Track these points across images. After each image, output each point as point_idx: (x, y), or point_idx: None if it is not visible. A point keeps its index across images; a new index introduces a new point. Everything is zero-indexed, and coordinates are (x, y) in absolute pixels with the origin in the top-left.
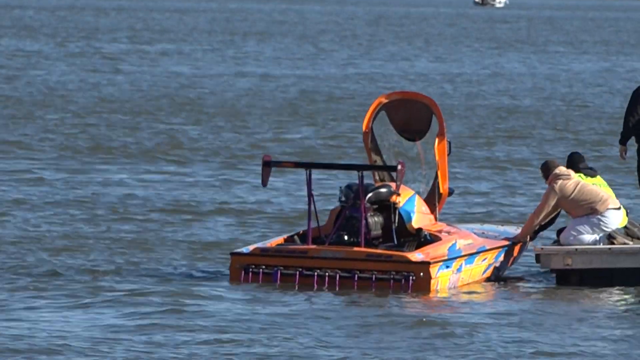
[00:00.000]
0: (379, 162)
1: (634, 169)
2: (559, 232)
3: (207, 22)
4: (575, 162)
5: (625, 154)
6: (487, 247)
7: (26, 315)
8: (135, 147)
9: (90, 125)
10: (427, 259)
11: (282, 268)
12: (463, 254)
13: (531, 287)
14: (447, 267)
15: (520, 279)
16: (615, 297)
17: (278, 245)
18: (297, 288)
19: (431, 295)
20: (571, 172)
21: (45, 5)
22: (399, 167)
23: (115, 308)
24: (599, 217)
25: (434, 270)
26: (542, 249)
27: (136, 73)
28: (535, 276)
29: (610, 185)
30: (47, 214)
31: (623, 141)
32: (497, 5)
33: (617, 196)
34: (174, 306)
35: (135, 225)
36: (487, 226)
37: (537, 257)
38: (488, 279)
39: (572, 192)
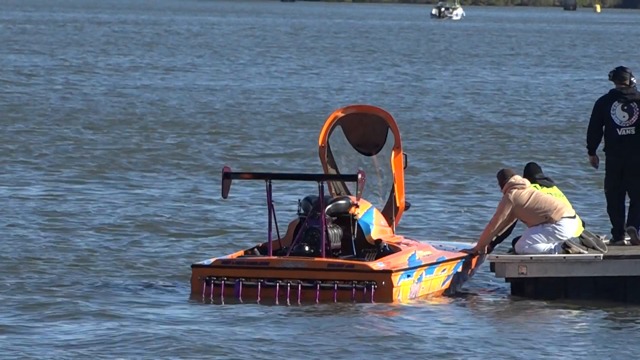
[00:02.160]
0: None
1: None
2: (515, 241)
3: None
4: (531, 172)
5: (597, 162)
6: (446, 258)
7: None
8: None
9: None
10: (389, 268)
11: (243, 279)
12: (423, 263)
13: (488, 299)
14: (408, 276)
15: (476, 289)
16: (568, 309)
17: (239, 257)
18: (259, 299)
19: (391, 304)
20: (526, 181)
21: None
22: (360, 176)
23: (77, 323)
24: (554, 225)
25: (395, 279)
26: (496, 257)
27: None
28: (491, 286)
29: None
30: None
31: (591, 151)
32: (454, 18)
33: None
34: (136, 319)
35: (93, 240)
36: (442, 241)
37: (492, 266)
38: (446, 290)
39: (527, 201)
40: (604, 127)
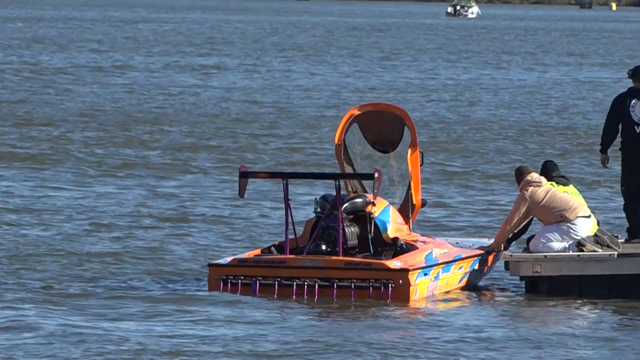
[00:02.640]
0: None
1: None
2: (529, 239)
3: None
4: (548, 170)
5: (608, 162)
6: (463, 256)
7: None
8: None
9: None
10: (406, 267)
11: (260, 278)
12: (440, 262)
13: (502, 297)
14: (425, 274)
15: (491, 287)
16: (583, 308)
17: (256, 256)
18: (276, 298)
19: (409, 303)
20: (543, 179)
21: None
22: (376, 174)
23: (91, 322)
24: (569, 224)
25: (412, 277)
26: (511, 255)
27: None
28: (506, 284)
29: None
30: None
31: (604, 150)
32: (470, 16)
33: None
34: (154, 316)
35: (109, 238)
36: (459, 238)
37: (507, 265)
38: (463, 288)
39: (543, 199)
40: (620, 125)
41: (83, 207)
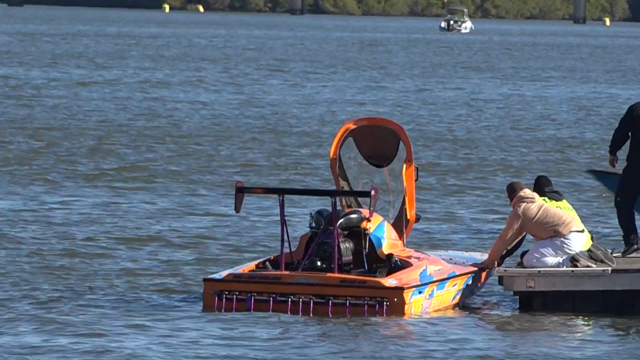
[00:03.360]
0: (347, 189)
1: None
2: (523, 254)
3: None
4: (541, 186)
5: (616, 162)
6: (457, 273)
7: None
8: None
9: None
10: (401, 285)
11: (255, 294)
12: (434, 279)
13: (496, 313)
14: (420, 292)
15: (485, 302)
16: (577, 323)
17: (251, 271)
18: (270, 314)
19: (402, 319)
20: (535, 195)
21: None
22: (372, 192)
23: (85, 337)
24: (562, 239)
25: (407, 295)
26: (505, 270)
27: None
28: (500, 300)
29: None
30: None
31: (613, 151)
32: (463, 31)
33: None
34: (148, 333)
35: (104, 252)
36: (452, 252)
37: (500, 279)
38: (456, 304)
39: (536, 215)
40: (630, 134)
41: (86, 218)
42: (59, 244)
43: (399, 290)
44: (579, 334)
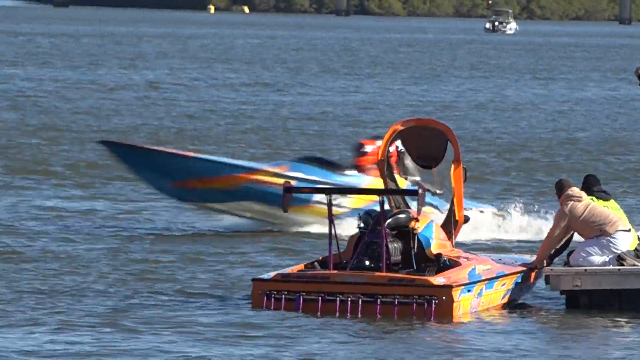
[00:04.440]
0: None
1: None
2: (569, 253)
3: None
4: (589, 185)
5: None
6: (506, 273)
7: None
8: None
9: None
10: (449, 283)
11: (304, 294)
12: (483, 278)
13: (543, 312)
14: (469, 291)
15: (532, 303)
16: (623, 322)
17: (299, 271)
18: (319, 313)
19: (452, 319)
20: (583, 193)
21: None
22: (420, 191)
23: (135, 336)
24: (609, 238)
25: (456, 294)
26: (551, 270)
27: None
28: (547, 299)
29: None
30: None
31: None
32: (508, 32)
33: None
34: (196, 333)
35: (152, 252)
36: (502, 254)
37: (547, 278)
38: (505, 304)
39: (582, 214)
40: None
41: (117, 219)
42: (108, 240)
43: (448, 288)
44: (625, 333)
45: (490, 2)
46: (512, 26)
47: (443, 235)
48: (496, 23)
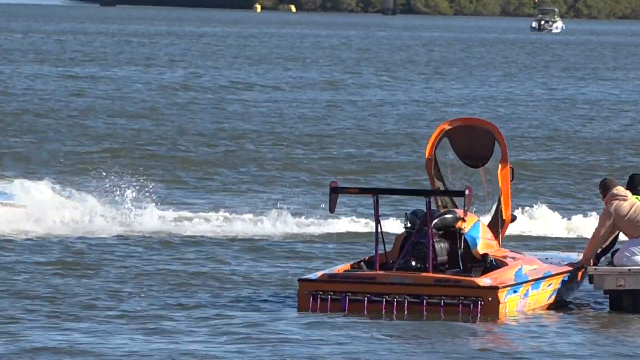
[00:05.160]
0: (442, 189)
1: None
2: (614, 253)
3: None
4: (635, 184)
5: None
6: (552, 273)
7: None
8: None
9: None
10: (495, 284)
11: (350, 294)
12: (529, 279)
13: (587, 311)
14: (515, 292)
15: (577, 303)
16: None
17: (346, 271)
18: (365, 314)
19: (497, 321)
20: (628, 193)
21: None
22: (467, 192)
23: (183, 336)
24: None
25: (502, 295)
26: (595, 269)
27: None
28: (591, 299)
29: None
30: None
31: None
32: (554, 30)
33: None
34: (244, 334)
35: (201, 254)
36: (549, 252)
37: (591, 278)
38: (551, 305)
39: (628, 213)
40: None
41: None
42: (156, 243)
43: (494, 289)
44: None
45: (536, 0)
46: (558, 25)
47: (490, 234)
48: (542, 22)
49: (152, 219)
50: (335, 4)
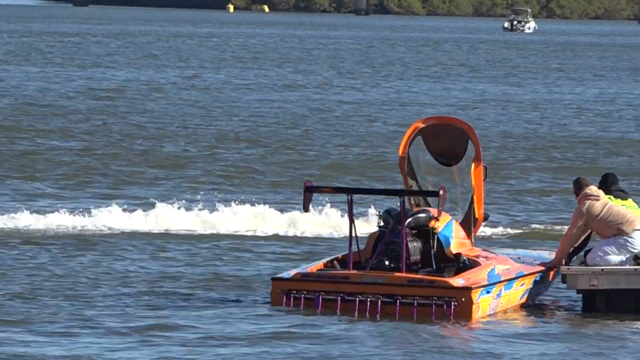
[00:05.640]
0: (415, 187)
1: None
2: (586, 253)
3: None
4: (608, 183)
5: None
6: (525, 273)
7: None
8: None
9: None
10: (469, 285)
11: (323, 293)
12: (502, 279)
13: (559, 312)
14: (488, 292)
15: (550, 302)
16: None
17: (319, 270)
18: (338, 313)
19: (470, 321)
20: (601, 192)
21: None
22: (441, 192)
23: (154, 335)
24: (626, 238)
25: (475, 295)
26: (568, 269)
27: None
28: (564, 298)
29: None
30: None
31: None
32: (527, 31)
33: None
34: (216, 333)
35: (173, 253)
36: (521, 251)
37: (564, 278)
38: (523, 305)
39: (600, 213)
40: None
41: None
42: (125, 245)
43: (467, 290)
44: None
45: (509, 1)
46: (530, 25)
47: (462, 233)
48: (515, 22)
49: (117, 215)
50: (308, 4)
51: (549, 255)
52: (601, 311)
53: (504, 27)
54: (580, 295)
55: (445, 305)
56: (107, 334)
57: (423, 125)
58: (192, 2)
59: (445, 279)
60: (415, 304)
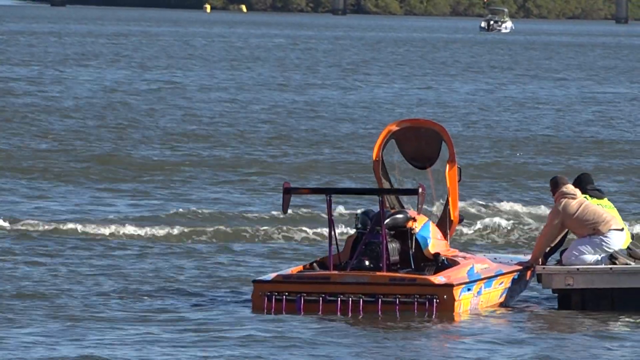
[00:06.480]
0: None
1: None
2: (562, 252)
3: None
4: (583, 183)
5: None
6: (504, 271)
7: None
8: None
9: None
10: (450, 282)
11: (305, 294)
12: (482, 277)
13: (535, 311)
14: (469, 290)
15: (527, 302)
16: (615, 321)
17: (300, 272)
18: (320, 314)
19: (452, 319)
20: (577, 191)
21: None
22: (420, 190)
23: (136, 336)
24: (602, 237)
25: (457, 292)
26: (543, 268)
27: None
28: (539, 297)
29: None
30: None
31: None
32: (504, 31)
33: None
34: (198, 333)
35: (154, 253)
36: (496, 254)
37: (539, 277)
38: (501, 304)
39: (576, 212)
40: None
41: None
42: (104, 244)
43: (449, 287)
44: (617, 331)
45: (486, 0)
46: (507, 25)
47: (439, 234)
48: (491, 22)
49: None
50: (286, 4)
51: (526, 257)
52: (577, 310)
53: (480, 27)
54: (556, 294)
55: (427, 303)
56: (85, 335)
57: (396, 128)
58: (168, 1)
59: (427, 277)
60: (397, 303)
